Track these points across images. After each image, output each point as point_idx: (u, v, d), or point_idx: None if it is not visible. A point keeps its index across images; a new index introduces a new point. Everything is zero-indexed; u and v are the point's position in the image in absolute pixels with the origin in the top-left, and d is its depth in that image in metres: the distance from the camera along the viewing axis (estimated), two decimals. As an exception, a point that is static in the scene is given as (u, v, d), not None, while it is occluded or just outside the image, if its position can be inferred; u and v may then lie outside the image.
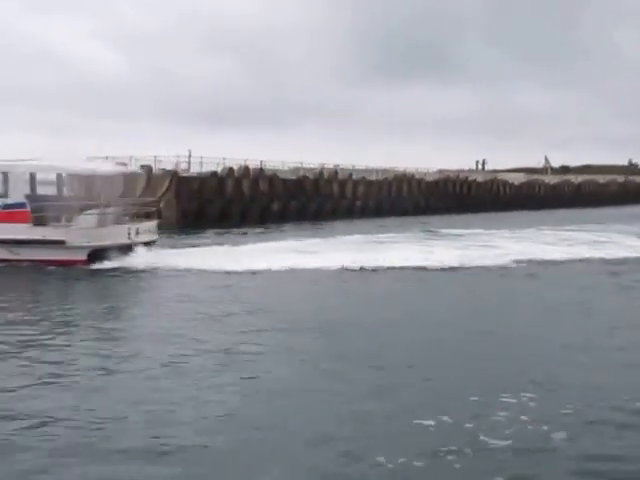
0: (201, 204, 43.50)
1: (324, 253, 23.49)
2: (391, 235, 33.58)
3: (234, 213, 44.48)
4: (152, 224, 23.83)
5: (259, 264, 20.65)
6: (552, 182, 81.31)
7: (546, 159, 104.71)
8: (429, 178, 64.84)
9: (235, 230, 36.50)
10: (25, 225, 20.94)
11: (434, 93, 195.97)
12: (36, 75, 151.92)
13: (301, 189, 50.62)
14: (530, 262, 23.72)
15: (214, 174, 45.49)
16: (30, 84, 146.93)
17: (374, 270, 21.13)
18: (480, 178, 71.97)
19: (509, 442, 7.33)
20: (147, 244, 22.45)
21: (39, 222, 21.14)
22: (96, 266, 20.40)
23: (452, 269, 21.87)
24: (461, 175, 69.77)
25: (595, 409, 8.43)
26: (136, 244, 21.74)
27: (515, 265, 22.80)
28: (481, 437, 7.42)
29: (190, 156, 49.49)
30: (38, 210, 21.32)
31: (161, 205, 42.74)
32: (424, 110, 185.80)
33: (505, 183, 73.43)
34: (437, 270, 21.58)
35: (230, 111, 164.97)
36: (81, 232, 21.02)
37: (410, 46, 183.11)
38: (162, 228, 39.33)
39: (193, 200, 43.20)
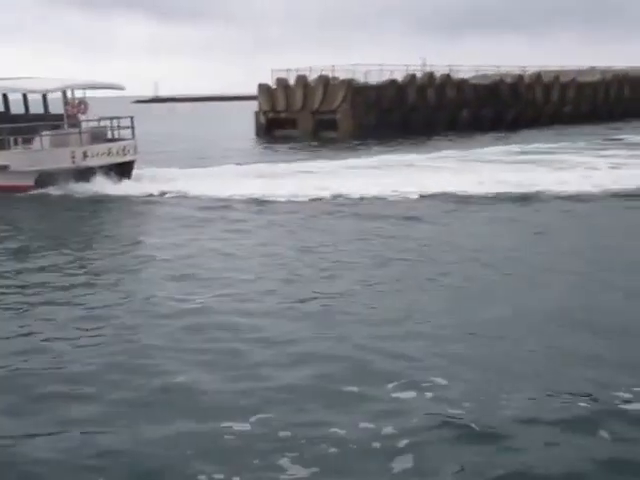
0: (379, 114, 42.42)
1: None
2: (555, 146, 30.19)
3: (417, 123, 42.81)
4: (117, 145, 20.69)
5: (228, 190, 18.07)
6: None
7: None
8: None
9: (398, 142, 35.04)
10: None
11: None
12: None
13: (496, 95, 47.24)
14: None
15: (393, 82, 43.91)
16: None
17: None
18: None
19: None
20: (114, 167, 20.02)
21: None
22: (40, 192, 18.99)
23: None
24: None
25: None
26: (87, 168, 19.53)
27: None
28: None
29: (425, 65, 48.00)
30: None
31: (337, 117, 42.55)
32: None
33: None
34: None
35: (473, 17, 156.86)
36: (25, 155, 19.39)
37: None
38: (336, 141, 39.28)
39: (371, 110, 42.24)
